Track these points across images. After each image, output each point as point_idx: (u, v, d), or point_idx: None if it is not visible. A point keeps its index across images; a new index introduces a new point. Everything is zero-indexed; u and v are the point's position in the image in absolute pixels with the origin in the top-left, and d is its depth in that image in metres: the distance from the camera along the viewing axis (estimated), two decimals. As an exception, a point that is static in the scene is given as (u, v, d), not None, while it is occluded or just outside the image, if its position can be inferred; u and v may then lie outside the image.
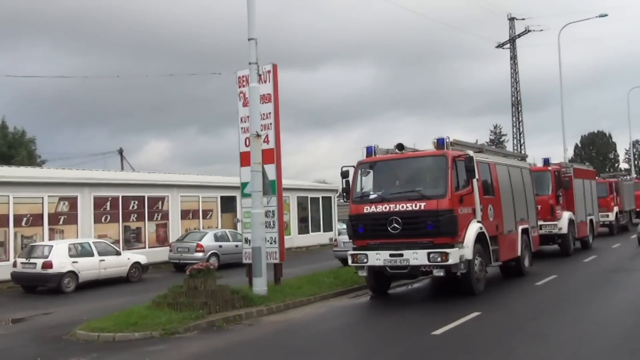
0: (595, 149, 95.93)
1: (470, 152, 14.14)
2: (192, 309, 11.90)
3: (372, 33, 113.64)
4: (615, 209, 32.81)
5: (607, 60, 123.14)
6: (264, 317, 12.30)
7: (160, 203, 27.57)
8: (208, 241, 24.48)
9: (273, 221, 14.99)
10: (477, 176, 13.85)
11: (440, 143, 13.78)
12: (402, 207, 13.08)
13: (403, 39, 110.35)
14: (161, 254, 25.99)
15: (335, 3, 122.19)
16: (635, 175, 52.65)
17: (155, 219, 27.32)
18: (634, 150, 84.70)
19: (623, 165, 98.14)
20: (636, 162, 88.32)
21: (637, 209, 38.75)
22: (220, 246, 24.66)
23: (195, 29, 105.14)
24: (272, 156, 14.97)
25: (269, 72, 15.16)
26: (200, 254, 23.69)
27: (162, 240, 27.34)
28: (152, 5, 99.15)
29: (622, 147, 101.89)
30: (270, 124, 15.11)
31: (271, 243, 14.85)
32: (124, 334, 10.58)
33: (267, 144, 14.98)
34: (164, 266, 25.71)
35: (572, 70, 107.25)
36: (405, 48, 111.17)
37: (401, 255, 12.98)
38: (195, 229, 27.94)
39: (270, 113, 15.12)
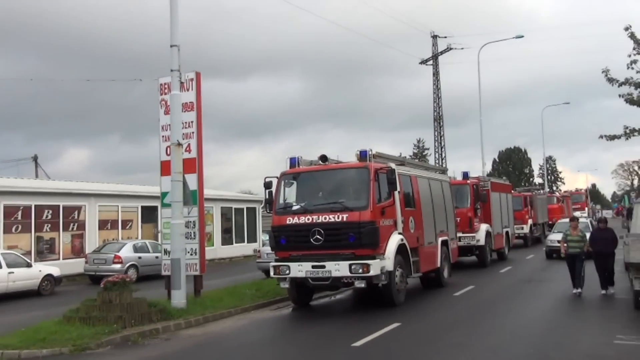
0: (512, 164, 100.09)
1: (392, 165, 14.34)
2: (105, 323, 11.40)
3: (301, 46, 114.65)
4: (530, 221, 34.09)
5: (523, 79, 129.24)
6: (182, 330, 11.94)
7: (76, 213, 26.49)
8: (126, 252, 23.69)
9: (194, 232, 14.64)
10: (398, 188, 14.01)
11: (363, 155, 13.87)
12: (325, 218, 13.06)
13: (331, 53, 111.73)
14: (76, 265, 24.92)
15: (265, 16, 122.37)
16: (548, 190, 55.12)
17: (70, 229, 26.22)
18: (547, 166, 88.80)
19: (537, 180, 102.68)
20: (549, 177, 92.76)
21: (550, 222, 40.42)
22: (140, 257, 23.91)
23: (118, 35, 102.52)
24: (193, 166, 14.63)
25: (192, 80, 14.85)
26: (118, 266, 22.88)
27: (77, 251, 26.24)
28: (73, 9, 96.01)
29: (536, 163, 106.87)
30: (193, 132, 14.79)
31: (191, 254, 14.49)
32: (30, 351, 9.97)
33: (189, 153, 14.64)
34: (79, 278, 24.67)
35: (491, 88, 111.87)
36: (333, 62, 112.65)
37: (323, 266, 12.93)
38: (113, 239, 27.01)
39: (192, 122, 14.80)
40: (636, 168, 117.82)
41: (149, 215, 29.79)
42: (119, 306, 11.91)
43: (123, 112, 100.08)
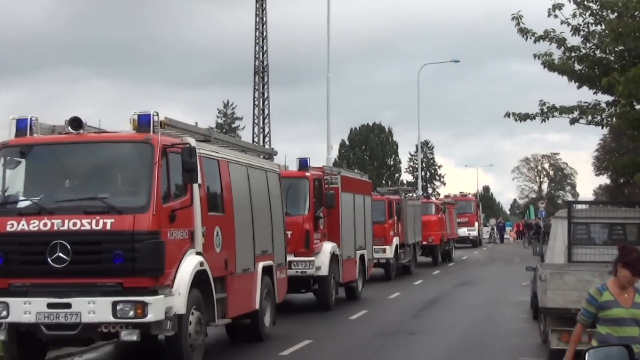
0: (369, 150, 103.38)
1: (191, 141, 14.17)
2: None
3: None
4: (395, 240, 35.19)
5: (397, 23, 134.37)
6: None
7: None
8: None
9: None
10: (200, 180, 13.90)
11: (143, 122, 13.58)
12: (74, 224, 12.75)
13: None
14: None
15: None
16: (422, 193, 57.55)
17: None
18: (423, 156, 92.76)
19: (405, 177, 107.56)
20: (424, 173, 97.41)
21: (424, 242, 42.11)
22: None
23: None
24: None
25: None
26: None
27: None
28: None
29: (405, 151, 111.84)
30: None
31: None
32: None
33: None
34: None
35: (348, 34, 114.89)
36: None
37: (68, 305, 12.55)
38: None
39: None
40: (546, 165, 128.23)
41: None
42: None
43: None
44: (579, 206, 17.82)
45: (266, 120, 56.75)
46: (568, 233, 15.14)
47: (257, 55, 56.07)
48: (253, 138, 55.63)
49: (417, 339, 17.96)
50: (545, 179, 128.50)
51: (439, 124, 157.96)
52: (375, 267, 32.11)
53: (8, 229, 12.93)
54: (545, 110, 18.95)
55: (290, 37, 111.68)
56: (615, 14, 17.20)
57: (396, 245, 35.23)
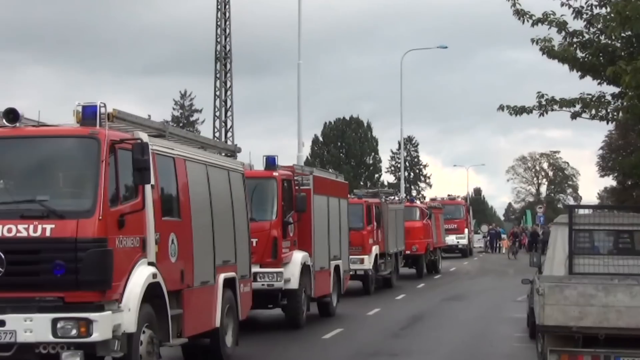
0: (346, 147, 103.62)
1: (143, 136, 14.05)
2: None
3: None
4: (375, 249, 35.19)
5: (378, 4, 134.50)
6: None
7: None
8: None
9: None
10: (152, 180, 13.79)
11: (89, 114, 13.44)
12: (9, 230, 12.57)
13: None
14: None
15: None
16: (406, 196, 57.61)
17: None
18: (406, 154, 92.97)
19: (386, 178, 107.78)
20: (407, 173, 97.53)
21: (408, 251, 42.05)
22: None
23: None
24: None
25: None
26: None
27: None
28: None
29: (387, 148, 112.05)
30: None
31: None
32: None
33: None
34: None
35: (323, 16, 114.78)
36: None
37: (2, 323, 12.37)
38: None
39: None
40: (545, 165, 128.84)
41: None
42: None
43: None
44: (582, 211, 17.69)
45: (229, 113, 56.51)
46: (569, 241, 15.07)
47: (218, 39, 55.84)
48: (214, 133, 55.36)
49: (398, 361, 17.88)
50: (544, 180, 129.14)
51: (425, 119, 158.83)
52: (352, 279, 32.19)
53: None
54: (544, 102, 18.91)
55: (257, 18, 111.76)
56: (622, -5, 17.12)
57: (376, 255, 35.32)
